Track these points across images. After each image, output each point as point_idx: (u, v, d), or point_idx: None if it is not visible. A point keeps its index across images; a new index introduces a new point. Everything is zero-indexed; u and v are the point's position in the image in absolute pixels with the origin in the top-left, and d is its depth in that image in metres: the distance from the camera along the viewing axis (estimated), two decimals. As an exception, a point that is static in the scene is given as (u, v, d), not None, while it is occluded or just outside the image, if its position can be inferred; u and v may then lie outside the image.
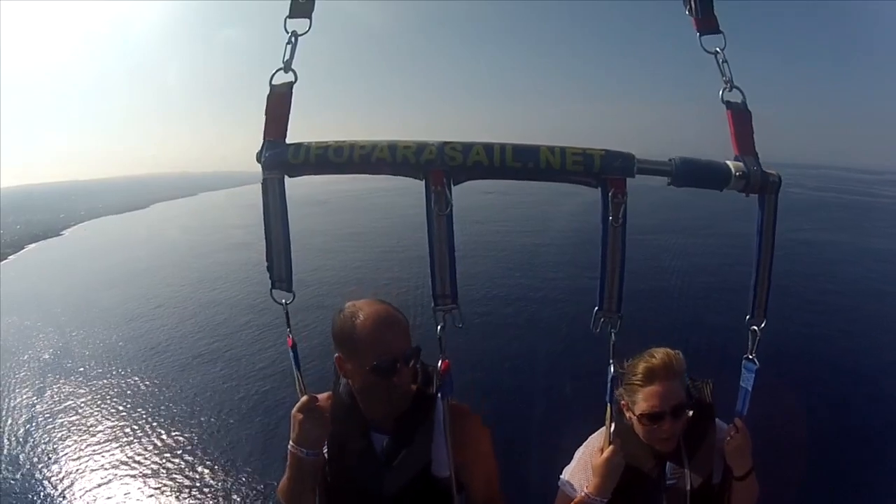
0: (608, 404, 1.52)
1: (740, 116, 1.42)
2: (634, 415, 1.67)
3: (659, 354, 1.65)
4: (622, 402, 1.72)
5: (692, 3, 1.42)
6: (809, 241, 16.53)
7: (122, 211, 39.56)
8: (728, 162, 1.40)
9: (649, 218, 19.33)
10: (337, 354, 1.55)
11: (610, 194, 1.33)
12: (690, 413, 1.67)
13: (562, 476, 1.80)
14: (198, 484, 5.55)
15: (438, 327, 1.36)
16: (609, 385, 1.48)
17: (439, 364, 1.40)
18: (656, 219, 19.69)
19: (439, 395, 1.49)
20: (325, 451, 1.60)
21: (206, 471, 5.76)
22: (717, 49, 1.42)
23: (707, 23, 1.42)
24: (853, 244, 17.55)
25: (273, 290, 1.47)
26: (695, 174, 1.39)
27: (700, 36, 1.43)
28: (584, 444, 1.82)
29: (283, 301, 1.47)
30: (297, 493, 1.57)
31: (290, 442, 1.52)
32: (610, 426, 1.59)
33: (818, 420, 5.68)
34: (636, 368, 1.67)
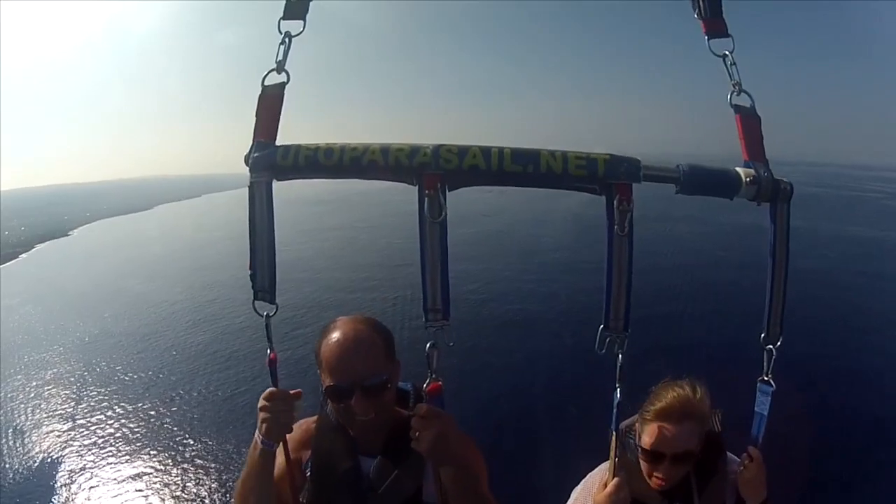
0: (613, 433, 1.42)
1: (749, 121, 1.38)
2: (639, 445, 1.60)
3: (676, 392, 1.57)
4: (636, 424, 1.64)
5: (701, 5, 1.40)
6: (800, 232, 16.92)
7: (126, 212, 40.00)
8: (738, 169, 1.35)
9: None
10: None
11: (615, 201, 1.26)
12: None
13: None
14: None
15: (427, 345, 1.25)
16: (615, 412, 1.36)
17: (425, 385, 1.30)
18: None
19: None
20: (308, 472, 1.54)
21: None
22: (726, 52, 1.39)
23: (715, 26, 1.40)
24: (838, 235, 18.52)
25: (255, 302, 1.39)
26: (703, 182, 1.34)
27: (708, 39, 1.40)
28: (582, 482, 1.74)
29: (265, 313, 1.39)
30: (248, 491, 1.45)
31: (256, 431, 1.44)
32: (614, 457, 1.47)
33: (794, 403, 5.68)
34: (653, 401, 1.59)
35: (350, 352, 1.40)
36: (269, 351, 1.42)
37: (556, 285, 12.43)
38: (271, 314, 1.39)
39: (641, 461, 1.59)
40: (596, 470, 1.68)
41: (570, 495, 1.74)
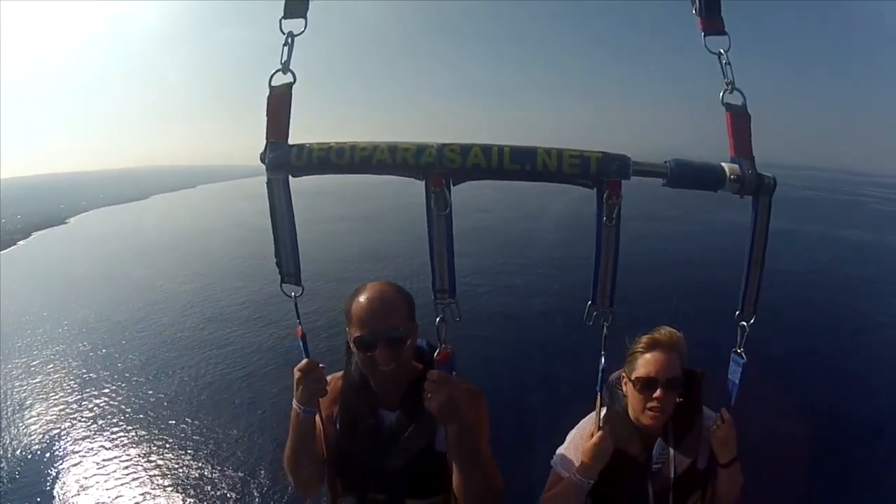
0: (598, 393, 1.63)
1: (739, 119, 1.42)
2: (630, 380, 1.77)
3: (663, 329, 1.76)
4: (622, 376, 1.82)
5: (699, 3, 1.42)
6: (793, 235, 17.11)
7: (123, 202, 39.82)
8: (723, 164, 1.41)
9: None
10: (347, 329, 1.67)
11: (605, 196, 1.35)
12: (679, 399, 1.75)
13: (554, 457, 1.88)
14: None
15: (437, 319, 1.42)
16: (600, 375, 1.59)
17: (436, 354, 1.47)
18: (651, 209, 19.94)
19: None
20: (337, 425, 1.74)
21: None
22: (721, 50, 1.42)
23: (713, 23, 1.42)
24: (832, 237, 18.73)
25: (283, 285, 1.53)
26: (690, 176, 1.40)
27: (705, 36, 1.43)
28: (577, 426, 1.91)
29: (293, 294, 1.54)
30: (297, 454, 1.67)
31: (293, 399, 1.62)
32: (600, 412, 1.67)
33: (782, 400, 5.81)
34: (640, 339, 1.78)
35: (377, 308, 1.58)
36: (298, 327, 1.60)
37: (550, 272, 12.68)
38: (298, 295, 1.54)
39: (636, 394, 1.75)
40: (587, 418, 1.84)
41: (565, 438, 1.92)
